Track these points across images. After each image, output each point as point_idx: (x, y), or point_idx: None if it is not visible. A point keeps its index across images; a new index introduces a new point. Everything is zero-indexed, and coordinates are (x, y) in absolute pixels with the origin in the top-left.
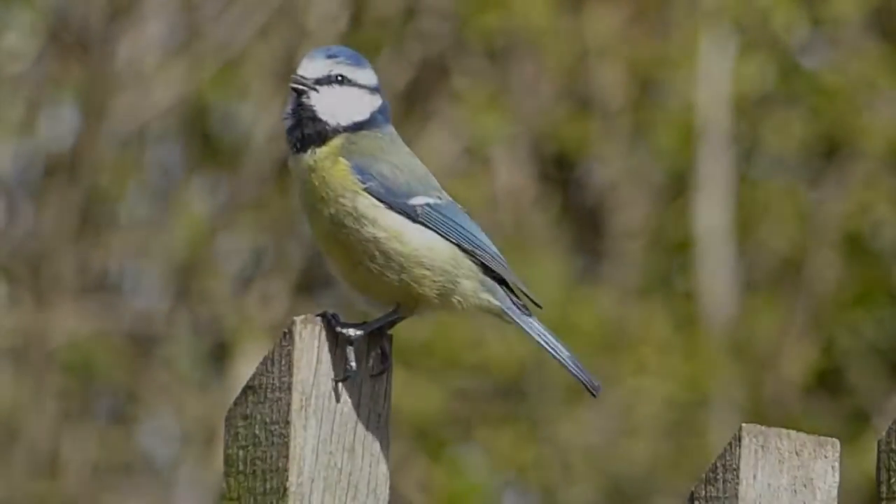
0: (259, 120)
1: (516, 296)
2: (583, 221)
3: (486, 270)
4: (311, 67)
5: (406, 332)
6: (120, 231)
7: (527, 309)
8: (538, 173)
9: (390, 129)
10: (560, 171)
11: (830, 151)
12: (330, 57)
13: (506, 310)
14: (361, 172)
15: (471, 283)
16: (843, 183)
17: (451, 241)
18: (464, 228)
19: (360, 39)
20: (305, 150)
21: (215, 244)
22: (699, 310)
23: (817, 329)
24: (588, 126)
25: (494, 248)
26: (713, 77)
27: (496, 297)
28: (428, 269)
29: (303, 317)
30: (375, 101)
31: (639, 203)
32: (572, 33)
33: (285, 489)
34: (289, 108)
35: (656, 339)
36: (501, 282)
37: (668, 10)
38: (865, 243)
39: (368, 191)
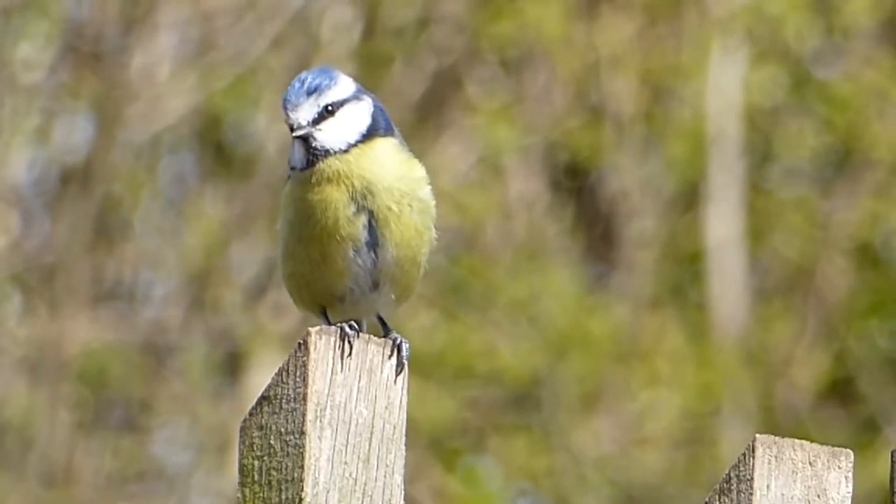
0: (272, 129)
1: None
2: (595, 231)
3: None
4: (302, 112)
5: (419, 342)
6: (134, 240)
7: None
8: (551, 182)
9: (397, 134)
10: (573, 181)
11: (842, 161)
12: (310, 94)
13: None
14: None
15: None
16: (854, 192)
17: None
18: None
19: (373, 50)
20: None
21: (229, 254)
22: (711, 319)
23: (829, 338)
24: (601, 135)
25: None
26: (725, 86)
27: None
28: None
29: (318, 327)
30: (367, 104)
31: (651, 212)
32: (585, 43)
33: (301, 499)
34: (299, 154)
35: (669, 348)
36: None
37: (680, 19)
38: (877, 252)
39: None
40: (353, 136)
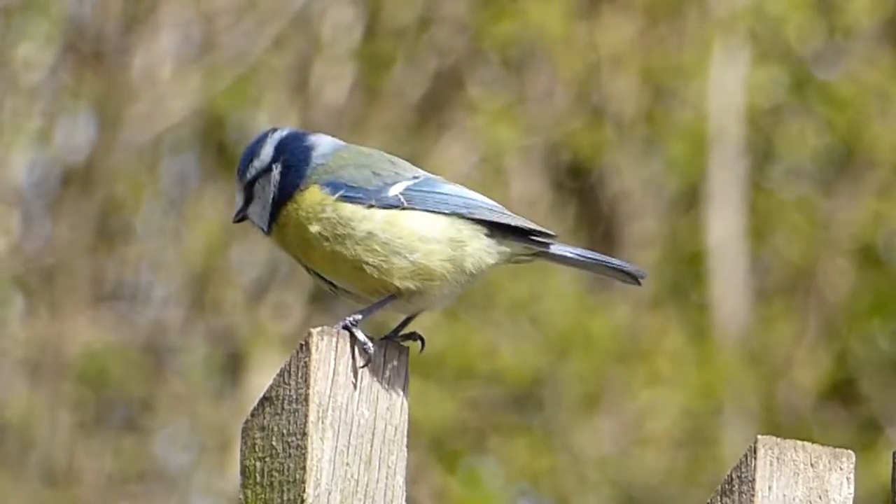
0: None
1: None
2: (597, 231)
3: (491, 225)
4: (237, 196)
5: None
6: (135, 241)
7: (547, 237)
8: (552, 182)
9: (323, 145)
10: (574, 181)
11: (844, 161)
12: (240, 178)
13: (524, 244)
14: (330, 186)
15: (478, 243)
16: (856, 192)
17: (444, 214)
18: (450, 195)
19: (374, 50)
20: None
21: (230, 255)
22: (712, 319)
23: (831, 339)
24: (602, 135)
25: (488, 200)
26: (726, 86)
27: (508, 244)
28: (433, 244)
29: (319, 329)
30: (277, 169)
31: (652, 212)
32: (586, 43)
33: (302, 501)
34: (258, 229)
35: (670, 348)
36: (512, 230)
37: (681, 19)
38: (878, 253)
39: (343, 199)
40: (267, 214)
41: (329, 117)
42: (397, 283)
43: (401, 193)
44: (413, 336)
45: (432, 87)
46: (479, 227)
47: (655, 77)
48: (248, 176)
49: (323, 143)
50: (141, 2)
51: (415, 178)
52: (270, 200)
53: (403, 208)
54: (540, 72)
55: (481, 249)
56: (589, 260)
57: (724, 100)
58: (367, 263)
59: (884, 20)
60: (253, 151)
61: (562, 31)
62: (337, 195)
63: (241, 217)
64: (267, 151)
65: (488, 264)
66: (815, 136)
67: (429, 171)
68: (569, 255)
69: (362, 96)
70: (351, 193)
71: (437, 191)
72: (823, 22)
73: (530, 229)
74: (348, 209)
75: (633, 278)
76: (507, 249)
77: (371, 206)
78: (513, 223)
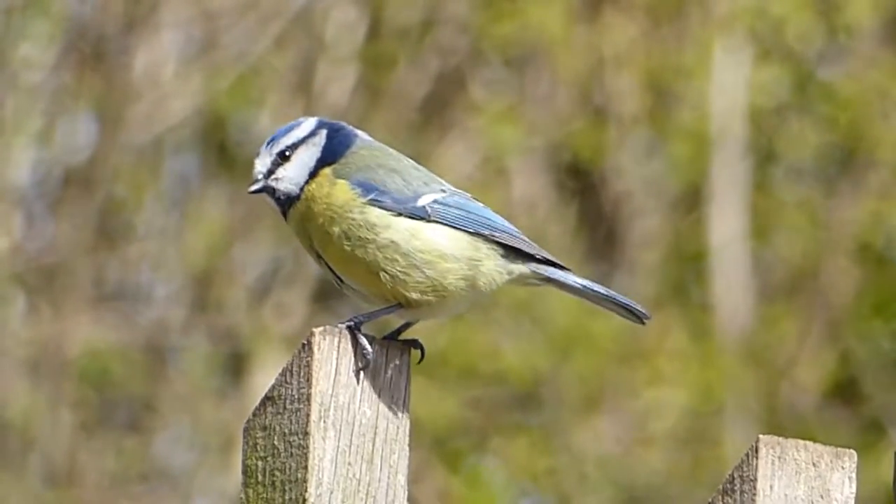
0: (275, 130)
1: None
2: (599, 231)
3: (507, 248)
4: (260, 163)
5: (423, 341)
6: (137, 241)
7: (559, 266)
8: (554, 183)
9: (361, 137)
10: (576, 181)
11: (846, 161)
12: (269, 144)
13: (535, 270)
14: (361, 186)
15: (492, 262)
16: (858, 192)
17: (467, 231)
18: (476, 214)
19: (377, 50)
20: (294, 205)
21: (232, 254)
22: (715, 319)
23: (833, 339)
24: (604, 136)
25: (510, 225)
26: (728, 86)
27: (521, 267)
28: (451, 262)
29: (322, 328)
30: (321, 138)
31: (654, 212)
32: (588, 43)
33: (304, 500)
34: (271, 203)
35: (672, 348)
36: (525, 256)
37: (683, 19)
38: (881, 253)
39: (373, 203)
40: (306, 174)
41: (331, 117)
42: (410, 294)
43: (428, 205)
44: (415, 344)
45: (435, 87)
46: (496, 247)
47: (657, 77)
48: (287, 142)
49: (359, 132)
50: (142, 1)
51: (442, 191)
52: (315, 161)
53: (429, 220)
54: (542, 72)
55: (494, 270)
56: (597, 293)
57: (725, 100)
58: (385, 271)
59: (885, 20)
60: (294, 125)
61: (563, 31)
62: (367, 198)
63: (261, 186)
64: (310, 123)
65: (499, 284)
66: (817, 135)
67: (436, 173)
68: (578, 285)
69: (365, 96)
70: (381, 198)
71: (465, 208)
72: (825, 22)
73: (545, 258)
74: (376, 214)
75: (638, 318)
76: (519, 272)
77: (399, 215)
78: (530, 251)
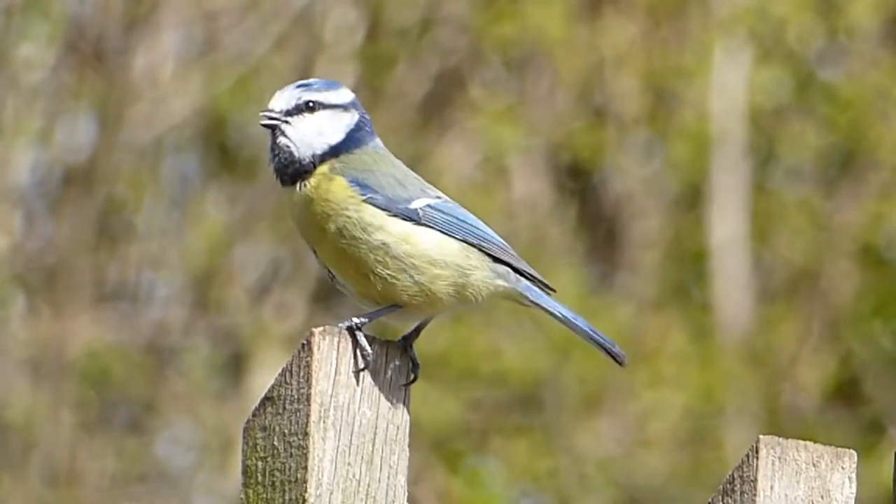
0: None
1: (530, 280)
2: (599, 231)
3: (496, 260)
4: (281, 99)
5: (423, 342)
6: (137, 241)
7: (545, 288)
8: (554, 183)
9: (375, 142)
10: (576, 182)
11: (846, 162)
12: (300, 87)
13: (522, 291)
14: (359, 185)
15: (482, 273)
16: (858, 193)
17: (457, 238)
18: (467, 223)
19: (376, 50)
20: (295, 183)
21: (232, 254)
22: (715, 320)
23: (833, 339)
24: (604, 136)
25: (500, 239)
26: (728, 87)
27: (509, 281)
28: (441, 269)
29: (321, 328)
30: (351, 119)
31: (655, 213)
32: (588, 44)
33: (304, 500)
34: (269, 146)
35: (672, 349)
36: (515, 272)
37: (683, 20)
38: (881, 254)
39: (369, 202)
40: (321, 148)
41: None
42: (399, 297)
43: (421, 209)
44: (413, 363)
45: (434, 87)
46: (486, 259)
47: (657, 78)
48: (318, 98)
49: (377, 138)
50: (142, 1)
51: (437, 197)
52: (328, 142)
53: (420, 223)
54: (542, 73)
55: (482, 281)
56: (579, 327)
57: (726, 100)
58: (375, 273)
59: (885, 20)
60: (333, 85)
61: (563, 32)
62: (364, 196)
63: (274, 123)
64: (347, 95)
65: (485, 297)
66: (818, 136)
67: (429, 173)
68: (559, 314)
69: (365, 96)
70: (376, 197)
71: (457, 216)
72: (825, 22)
73: (532, 276)
74: (371, 213)
75: (615, 359)
76: (505, 289)
77: (394, 216)
78: (517, 266)
